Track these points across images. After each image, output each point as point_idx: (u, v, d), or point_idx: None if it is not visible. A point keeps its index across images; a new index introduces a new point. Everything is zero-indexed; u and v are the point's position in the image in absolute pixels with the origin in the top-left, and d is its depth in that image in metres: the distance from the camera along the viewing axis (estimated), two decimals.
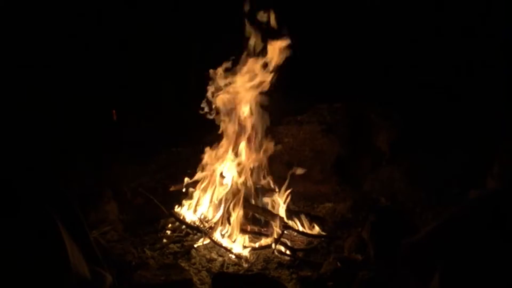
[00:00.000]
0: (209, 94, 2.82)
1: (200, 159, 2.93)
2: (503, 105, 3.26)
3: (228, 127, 2.86)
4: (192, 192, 2.92)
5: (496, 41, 3.51)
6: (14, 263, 1.59)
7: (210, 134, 3.07)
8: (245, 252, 2.53)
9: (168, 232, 2.76)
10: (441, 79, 3.58)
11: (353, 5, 3.83)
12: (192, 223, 2.77)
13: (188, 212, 2.87)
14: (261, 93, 2.77)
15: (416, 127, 3.34)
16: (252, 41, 2.72)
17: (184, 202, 2.92)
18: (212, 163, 2.89)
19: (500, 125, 3.10)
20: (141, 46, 3.94)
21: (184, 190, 2.97)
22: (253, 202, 2.81)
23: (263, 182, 2.90)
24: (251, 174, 2.84)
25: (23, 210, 1.64)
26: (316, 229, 2.78)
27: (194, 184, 2.93)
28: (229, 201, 2.74)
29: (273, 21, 2.68)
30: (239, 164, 2.83)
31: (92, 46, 3.79)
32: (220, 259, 2.50)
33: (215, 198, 2.83)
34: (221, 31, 3.74)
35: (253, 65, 2.72)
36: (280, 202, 2.83)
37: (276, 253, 2.54)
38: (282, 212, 2.78)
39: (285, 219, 2.73)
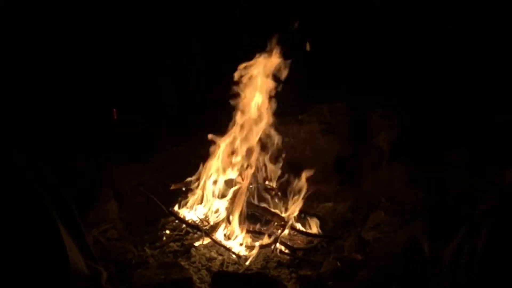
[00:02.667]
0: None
1: (201, 158, 2.94)
2: (504, 105, 3.25)
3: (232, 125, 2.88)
4: (192, 190, 2.92)
5: (496, 41, 3.50)
6: (14, 259, 1.60)
7: (210, 133, 3.06)
8: (245, 251, 2.53)
9: (168, 231, 2.76)
10: (441, 79, 3.57)
11: (353, 5, 3.83)
12: (192, 222, 2.77)
13: (188, 210, 2.87)
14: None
15: (416, 127, 3.33)
16: None
17: (184, 200, 2.92)
18: (213, 161, 2.90)
19: (500, 125, 3.09)
20: (141, 44, 3.93)
21: (184, 189, 2.97)
22: (254, 201, 2.82)
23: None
24: (253, 173, 2.85)
25: (22, 207, 1.66)
26: (315, 228, 2.78)
27: (194, 182, 2.93)
28: (230, 199, 2.75)
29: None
30: (241, 162, 2.84)
31: (91, 45, 3.78)
32: (220, 258, 2.50)
33: (215, 196, 2.83)
34: (221, 28, 3.75)
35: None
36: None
37: (276, 252, 2.54)
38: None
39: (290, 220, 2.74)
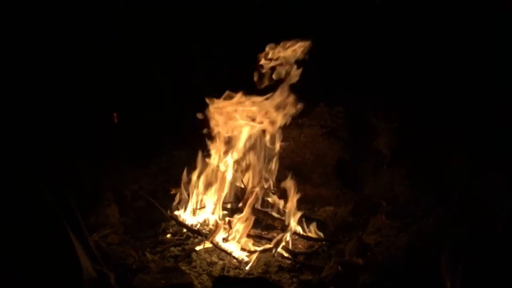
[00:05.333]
0: None
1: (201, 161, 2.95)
2: (504, 106, 3.25)
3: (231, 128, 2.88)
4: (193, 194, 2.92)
5: (497, 42, 3.50)
6: (27, 264, 1.62)
7: (211, 137, 3.06)
8: (246, 256, 2.52)
9: (169, 235, 2.76)
10: (441, 81, 3.57)
11: (353, 5, 3.82)
12: (192, 226, 2.77)
13: (189, 215, 2.87)
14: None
15: (416, 130, 3.33)
16: None
17: (184, 205, 2.92)
18: (213, 165, 2.89)
19: (500, 127, 3.09)
20: (142, 47, 3.93)
21: (184, 193, 2.97)
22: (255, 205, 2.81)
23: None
24: (254, 177, 2.85)
25: (33, 212, 1.68)
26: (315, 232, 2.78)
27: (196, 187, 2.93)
28: (231, 204, 2.75)
29: None
30: (242, 166, 2.84)
31: (92, 47, 3.78)
32: (221, 262, 2.50)
33: (216, 201, 2.82)
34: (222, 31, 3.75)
35: None
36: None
37: (277, 256, 2.54)
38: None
39: (292, 224, 2.74)
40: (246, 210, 2.69)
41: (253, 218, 2.70)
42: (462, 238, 1.83)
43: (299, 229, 2.77)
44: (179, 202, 2.94)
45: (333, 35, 3.75)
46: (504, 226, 1.71)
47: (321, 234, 2.75)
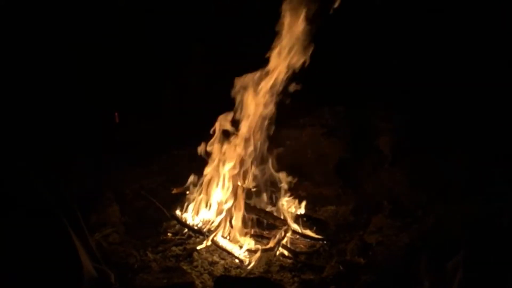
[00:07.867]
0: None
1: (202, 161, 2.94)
2: (504, 107, 3.26)
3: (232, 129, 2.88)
4: (194, 194, 2.92)
5: (497, 43, 3.51)
6: (29, 263, 1.62)
7: (212, 136, 3.06)
8: (247, 255, 2.52)
9: (170, 234, 2.76)
10: (442, 81, 3.57)
11: (353, 6, 3.83)
12: (194, 226, 2.77)
13: (190, 214, 2.87)
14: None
15: (417, 130, 3.33)
16: None
17: (186, 204, 2.92)
18: (215, 164, 2.89)
19: (500, 127, 3.10)
20: (142, 46, 3.93)
21: (186, 192, 2.97)
22: (256, 204, 2.82)
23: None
24: (255, 176, 2.85)
25: (34, 212, 1.68)
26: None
27: (196, 186, 2.93)
28: (232, 203, 2.74)
29: None
30: (242, 166, 2.83)
31: (95, 48, 3.79)
32: (222, 262, 2.50)
33: (217, 200, 2.82)
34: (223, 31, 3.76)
35: None
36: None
37: (279, 256, 2.53)
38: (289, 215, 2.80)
39: (289, 222, 2.74)
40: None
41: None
42: (463, 238, 1.83)
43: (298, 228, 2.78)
44: (180, 201, 2.94)
45: (335, 35, 3.76)
46: (504, 226, 1.72)
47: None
